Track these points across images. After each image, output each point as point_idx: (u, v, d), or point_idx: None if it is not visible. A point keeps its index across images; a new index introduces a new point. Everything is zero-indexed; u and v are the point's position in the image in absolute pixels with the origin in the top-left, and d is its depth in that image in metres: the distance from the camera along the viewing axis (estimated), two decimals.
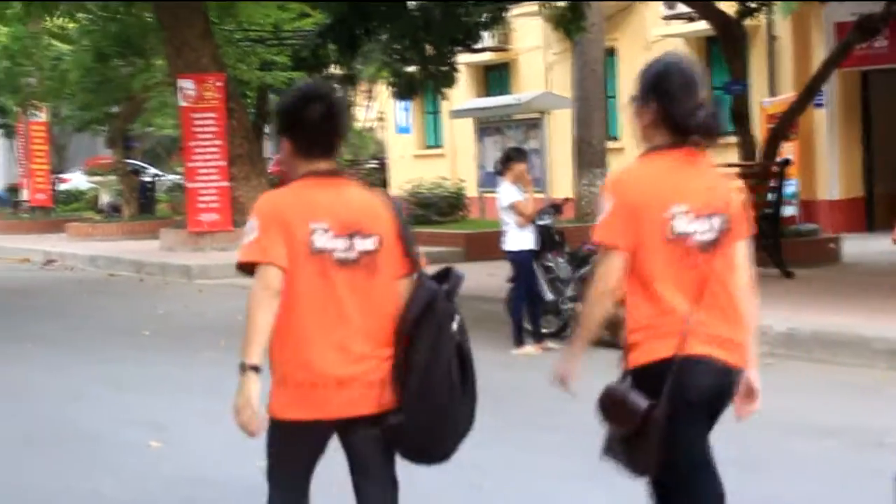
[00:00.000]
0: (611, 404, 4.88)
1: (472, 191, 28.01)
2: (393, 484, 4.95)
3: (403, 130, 37.77)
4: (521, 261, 13.33)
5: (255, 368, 4.60)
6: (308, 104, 4.87)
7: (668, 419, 4.65)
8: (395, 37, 19.71)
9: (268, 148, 45.07)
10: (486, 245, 21.05)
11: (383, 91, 33.06)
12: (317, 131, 4.87)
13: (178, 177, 37.37)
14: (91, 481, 8.11)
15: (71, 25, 32.51)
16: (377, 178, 41.71)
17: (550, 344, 13.44)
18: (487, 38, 28.78)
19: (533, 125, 25.66)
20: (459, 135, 33.10)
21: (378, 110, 48.27)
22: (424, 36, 19.37)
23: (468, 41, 20.60)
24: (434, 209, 26.95)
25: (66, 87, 33.43)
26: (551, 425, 9.40)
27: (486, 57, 33.33)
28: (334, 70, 30.54)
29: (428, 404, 4.71)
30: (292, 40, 29.72)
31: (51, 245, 28.69)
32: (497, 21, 21.15)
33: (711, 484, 4.91)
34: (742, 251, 4.93)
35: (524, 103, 26.41)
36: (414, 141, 37.64)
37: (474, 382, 4.87)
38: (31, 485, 8.13)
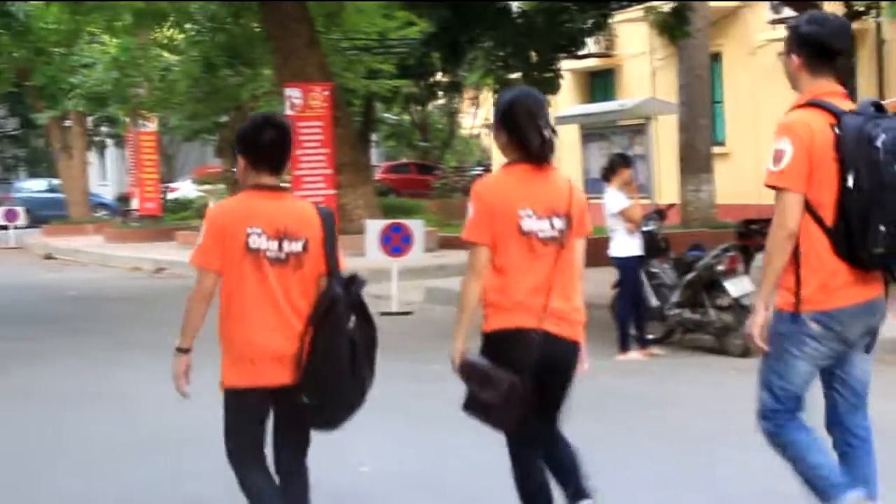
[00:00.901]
0: (476, 377, 5.87)
1: None
2: (304, 443, 6.07)
3: None
4: (627, 267, 13.30)
5: (185, 351, 5.97)
6: (261, 131, 5.94)
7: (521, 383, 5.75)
8: (498, 44, 19.75)
9: (374, 156, 45.30)
10: (590, 251, 21.06)
11: (488, 98, 33.15)
12: (266, 152, 5.93)
13: (284, 185, 37.61)
14: (200, 484, 8.22)
15: (179, 36, 32.93)
16: None
17: (655, 350, 13.41)
18: (591, 45, 28.74)
19: (638, 131, 25.57)
20: (564, 141, 33.04)
21: (483, 117, 48.32)
22: (528, 43, 19.39)
23: (572, 47, 20.59)
24: None
25: (175, 97, 33.82)
26: (655, 433, 9.39)
27: (591, 63, 33.28)
28: (440, 77, 30.66)
29: (322, 382, 5.75)
30: (398, 48, 29.90)
31: (161, 253, 29.01)
32: (601, 27, 21.13)
33: (546, 448, 6.09)
34: (581, 245, 6.11)
35: (629, 109, 26.34)
36: None
37: (369, 367, 5.92)
38: (147, 487, 8.27)
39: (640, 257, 13.38)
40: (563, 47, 20.24)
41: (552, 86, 20.55)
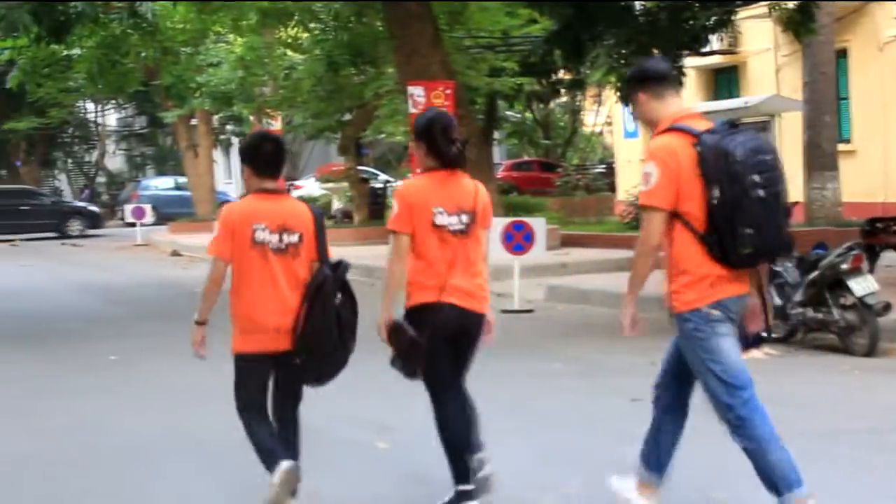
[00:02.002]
0: (393, 333, 7.15)
1: None
2: (298, 397, 7.49)
3: (631, 135, 37.60)
4: None
5: (201, 323, 7.31)
6: (262, 144, 7.42)
7: (428, 342, 7.07)
8: (621, 42, 19.67)
9: (496, 154, 45.35)
10: None
11: (611, 95, 33.03)
12: (266, 162, 7.36)
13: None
14: (313, 479, 8.31)
15: (303, 35, 33.21)
16: (604, 183, 41.64)
17: (770, 350, 13.29)
18: (715, 41, 28.54)
19: (762, 128, 25.33)
20: None
21: (606, 115, 48.15)
22: (651, 40, 19.29)
23: (695, 45, 20.46)
24: None
25: (299, 96, 34.08)
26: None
27: (715, 60, 33.05)
28: (562, 75, 30.60)
29: (313, 347, 7.16)
30: (520, 46, 29.89)
31: None
32: (724, 24, 20.91)
33: (457, 402, 7.33)
34: (485, 235, 7.46)
35: (753, 106, 26.11)
36: (642, 145, 37.34)
37: (352, 335, 7.30)
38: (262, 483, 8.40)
39: None
40: (687, 45, 20.11)
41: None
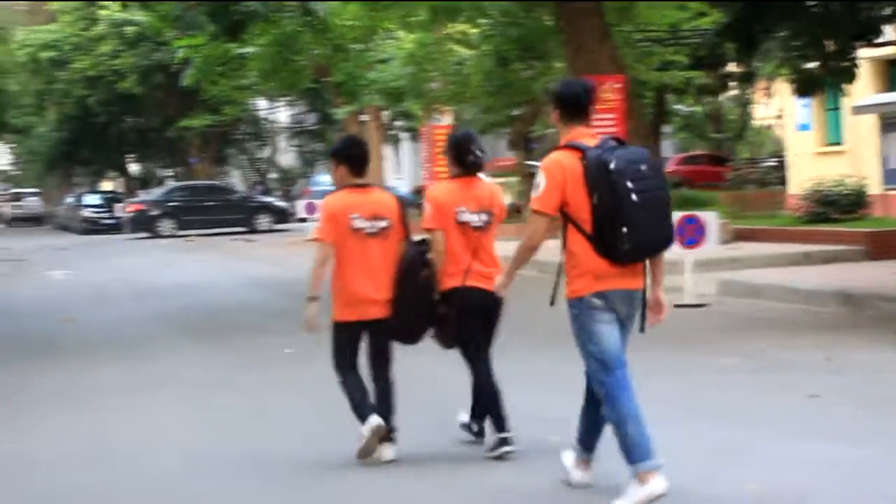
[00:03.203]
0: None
1: (874, 188, 27.28)
2: (389, 358, 9.07)
3: (803, 128, 37.02)
4: None
5: (315, 299, 8.79)
6: (353, 147, 9.17)
7: (457, 319, 8.82)
8: (794, 34, 19.42)
9: (666, 148, 45.06)
10: (890, 244, 20.55)
11: (782, 88, 32.62)
12: (359, 162, 9.04)
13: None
14: (488, 472, 8.39)
15: (472, 31, 33.31)
16: (775, 177, 41.08)
17: None
18: (891, 32, 28.00)
19: None
20: (861, 131, 32.31)
21: (777, 108, 47.52)
22: (824, 32, 19.02)
23: (870, 36, 20.11)
24: (835, 207, 26.44)
25: (469, 91, 34.17)
26: None
27: (890, 51, 32.38)
28: (732, 68, 30.33)
29: (404, 315, 8.81)
30: (690, 39, 29.66)
31: None
32: None
33: (487, 365, 9.06)
34: (496, 228, 9.08)
35: None
36: (814, 138, 36.77)
37: (431, 304, 8.81)
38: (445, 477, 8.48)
39: None
40: (861, 36, 19.77)
41: (849, 75, 20.12)
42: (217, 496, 8.47)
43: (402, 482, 8.45)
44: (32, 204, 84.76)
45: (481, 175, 9.12)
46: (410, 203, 10.82)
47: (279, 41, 31.63)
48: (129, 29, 55.95)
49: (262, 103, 66.28)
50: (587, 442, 7.94)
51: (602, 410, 7.54)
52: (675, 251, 17.60)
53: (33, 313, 21.01)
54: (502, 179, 38.67)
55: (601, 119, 24.23)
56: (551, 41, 28.89)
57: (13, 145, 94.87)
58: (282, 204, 53.31)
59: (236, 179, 74.82)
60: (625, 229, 7.19)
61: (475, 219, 8.89)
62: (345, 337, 8.89)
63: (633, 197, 7.17)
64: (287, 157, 75.38)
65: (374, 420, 8.65)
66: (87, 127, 66.37)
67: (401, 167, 66.00)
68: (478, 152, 8.98)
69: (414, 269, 8.78)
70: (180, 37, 33.42)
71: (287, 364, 13.85)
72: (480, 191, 9.00)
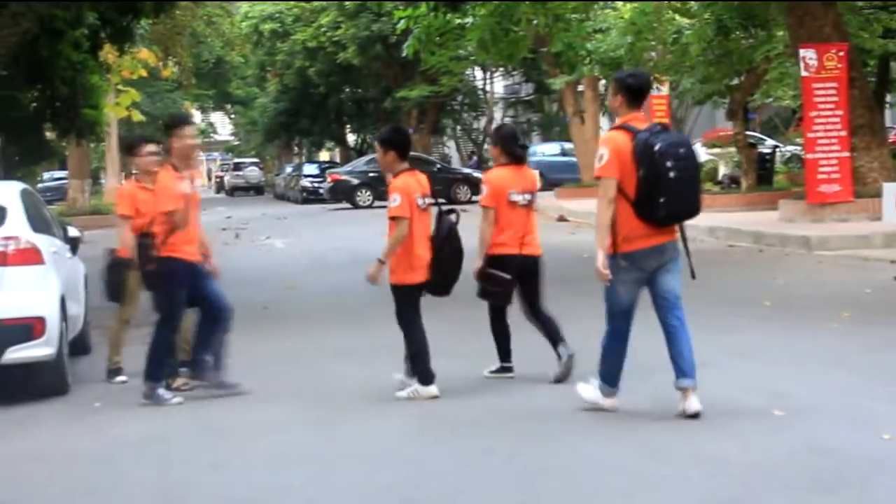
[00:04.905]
0: (486, 277, 10.96)
1: None
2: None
3: None
4: None
5: (383, 262, 10.44)
6: (401, 134, 11.10)
7: (515, 281, 11.00)
8: None
9: (889, 118, 43.94)
10: None
11: None
12: (407, 148, 10.97)
13: (796, 148, 37.01)
14: (715, 446, 8.33)
15: None
16: None
17: None
18: None
19: None
20: None
21: None
22: None
23: None
24: None
25: (688, 61, 33.78)
26: None
27: None
28: None
29: (442, 275, 10.59)
30: None
31: None
32: None
33: (544, 314, 11.30)
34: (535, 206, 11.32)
35: None
36: None
37: (460, 264, 10.72)
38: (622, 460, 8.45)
39: None
40: None
41: None
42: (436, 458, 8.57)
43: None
44: (252, 173, 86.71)
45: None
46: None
47: (499, 11, 31.57)
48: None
49: (478, 73, 66.51)
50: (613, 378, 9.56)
51: (603, 339, 9.50)
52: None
53: (256, 280, 21.46)
54: (719, 150, 38.25)
55: (821, 88, 23.79)
56: (774, 8, 28.43)
57: (234, 115, 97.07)
58: (481, 175, 53.40)
59: (452, 150, 75.27)
60: (662, 199, 8.84)
61: (521, 199, 11.09)
62: (414, 297, 10.71)
63: (671, 174, 8.80)
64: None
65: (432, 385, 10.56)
66: (307, 97, 67.58)
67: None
68: (521, 144, 11.44)
69: (450, 234, 10.64)
70: (401, 7, 33.68)
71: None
72: (525, 176, 11.26)
